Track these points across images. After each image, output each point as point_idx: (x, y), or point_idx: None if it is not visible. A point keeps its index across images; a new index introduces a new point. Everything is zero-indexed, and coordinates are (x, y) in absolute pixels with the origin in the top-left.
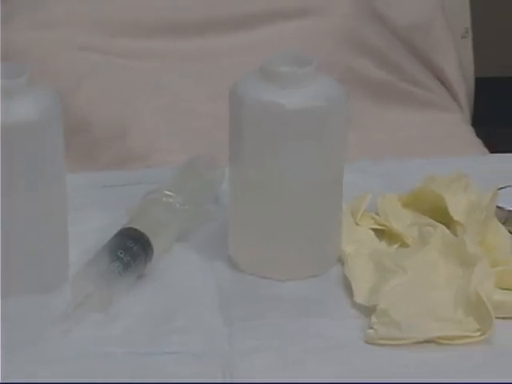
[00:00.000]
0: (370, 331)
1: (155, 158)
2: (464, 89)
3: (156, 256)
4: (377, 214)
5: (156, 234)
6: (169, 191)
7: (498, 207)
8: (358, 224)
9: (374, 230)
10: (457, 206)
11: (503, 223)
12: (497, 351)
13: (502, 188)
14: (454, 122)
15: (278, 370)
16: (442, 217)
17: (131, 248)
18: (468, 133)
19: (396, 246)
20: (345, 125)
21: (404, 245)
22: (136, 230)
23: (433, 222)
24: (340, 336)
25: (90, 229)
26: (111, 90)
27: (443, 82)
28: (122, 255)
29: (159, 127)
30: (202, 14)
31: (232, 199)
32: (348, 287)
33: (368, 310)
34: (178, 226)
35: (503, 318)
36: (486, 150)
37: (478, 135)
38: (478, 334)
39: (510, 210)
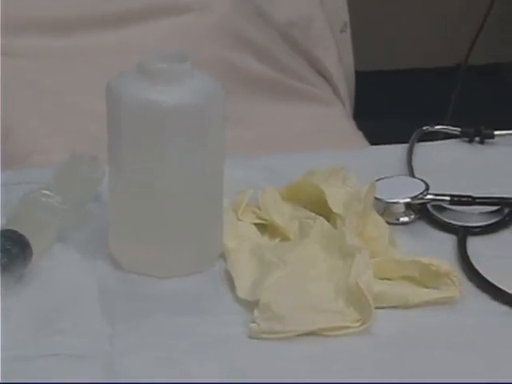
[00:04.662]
0: (253, 325)
1: (36, 158)
2: (344, 83)
3: (36, 257)
4: (259, 208)
5: (35, 234)
6: (47, 191)
7: (376, 198)
8: (239, 219)
9: (256, 224)
10: (336, 199)
11: (381, 214)
12: (377, 341)
13: (379, 179)
14: (336, 116)
15: (160, 368)
16: (322, 209)
17: (9, 250)
18: (349, 126)
19: (278, 239)
20: (222, 120)
21: (286, 238)
22: (14, 231)
23: (313, 214)
24: (223, 332)
25: None
26: None
27: (324, 76)
28: None
29: (41, 127)
30: (82, 10)
31: (111, 197)
32: (231, 283)
33: (251, 305)
34: (57, 226)
35: (383, 307)
36: (366, 143)
37: (360, 128)
38: (358, 324)
39: (387, 201)
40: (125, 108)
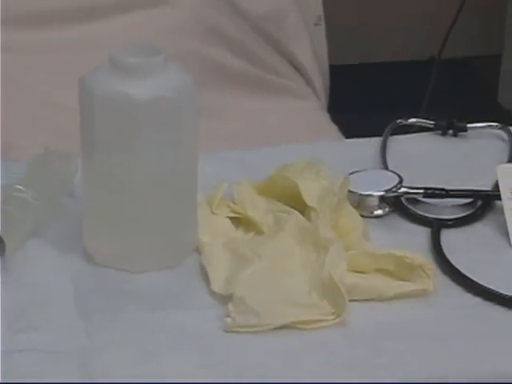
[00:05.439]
0: (228, 319)
1: (11, 154)
2: (319, 76)
3: (9, 252)
4: (233, 202)
5: (8, 229)
6: (20, 186)
7: (350, 191)
8: (214, 213)
9: (230, 218)
10: (310, 192)
11: (355, 207)
12: (352, 334)
13: (353, 173)
14: (310, 109)
15: (136, 364)
16: (297, 203)
17: None
18: (324, 119)
19: (252, 233)
20: (196, 114)
21: (260, 232)
22: None
23: (287, 208)
24: (199, 326)
25: None
26: None
27: (298, 69)
28: None
29: (14, 122)
30: (54, 3)
31: (85, 192)
32: (206, 277)
33: (226, 299)
34: (31, 221)
35: (357, 300)
36: (341, 136)
37: (334, 121)
38: (333, 317)
39: (361, 194)
40: (97, 102)
